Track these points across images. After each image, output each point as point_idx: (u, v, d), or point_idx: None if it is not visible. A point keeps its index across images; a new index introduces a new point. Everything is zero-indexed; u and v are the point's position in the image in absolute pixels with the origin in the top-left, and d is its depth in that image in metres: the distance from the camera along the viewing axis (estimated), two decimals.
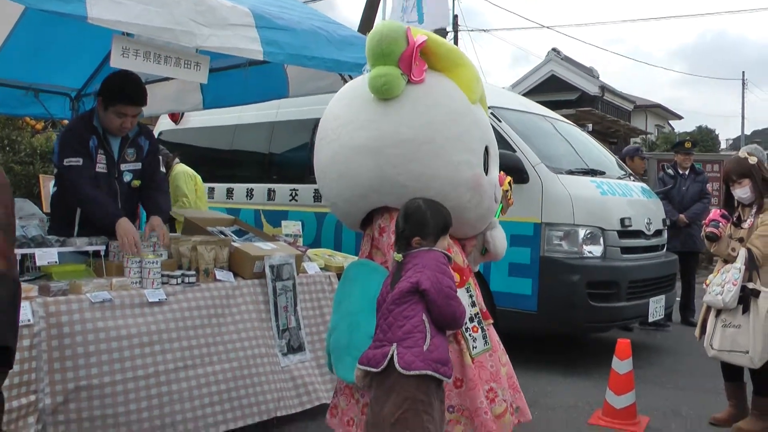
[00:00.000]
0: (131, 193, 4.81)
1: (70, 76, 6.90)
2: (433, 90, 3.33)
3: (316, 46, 4.65)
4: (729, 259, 4.70)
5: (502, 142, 6.31)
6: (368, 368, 2.96)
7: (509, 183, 3.82)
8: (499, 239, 3.72)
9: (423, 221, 3.07)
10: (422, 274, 2.92)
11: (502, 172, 3.72)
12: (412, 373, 2.84)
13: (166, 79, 6.27)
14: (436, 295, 2.89)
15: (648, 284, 6.55)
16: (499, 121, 6.54)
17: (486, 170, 3.45)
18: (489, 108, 6.41)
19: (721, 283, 4.62)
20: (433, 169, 3.24)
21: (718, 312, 4.68)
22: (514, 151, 6.27)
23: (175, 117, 9.09)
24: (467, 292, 3.43)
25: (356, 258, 5.31)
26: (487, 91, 4.16)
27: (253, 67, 5.87)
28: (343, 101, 3.53)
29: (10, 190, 2.42)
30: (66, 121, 7.54)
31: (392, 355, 2.88)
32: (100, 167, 4.60)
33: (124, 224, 4.26)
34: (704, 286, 4.83)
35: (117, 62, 3.90)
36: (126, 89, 4.53)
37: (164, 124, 9.41)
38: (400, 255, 3.06)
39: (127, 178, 4.77)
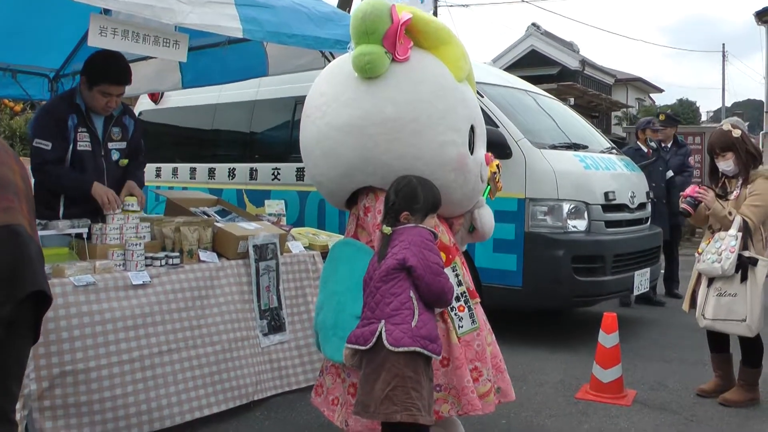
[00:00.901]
0: (118, 172, 4.80)
1: (47, 57, 6.80)
2: (417, 68, 3.30)
3: (297, 23, 4.60)
4: (723, 224, 4.66)
5: (485, 117, 6.25)
6: (356, 346, 2.95)
7: (497, 166, 3.78)
8: (486, 218, 3.71)
9: (413, 196, 3.05)
10: (408, 250, 2.91)
11: (489, 153, 3.69)
12: (400, 349, 2.84)
13: (145, 58, 6.21)
14: (423, 271, 2.89)
15: (632, 258, 6.56)
16: (481, 96, 6.49)
17: (471, 149, 3.43)
18: None
19: (716, 251, 4.58)
20: (416, 148, 3.22)
21: (710, 281, 4.67)
22: (497, 126, 6.23)
23: (155, 97, 9.00)
24: (453, 271, 3.42)
25: (341, 237, 5.33)
26: None
27: (231, 45, 5.82)
28: (328, 78, 3.50)
29: (22, 162, 2.56)
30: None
31: (381, 332, 2.88)
32: (83, 145, 4.58)
33: (98, 187, 4.41)
34: (696, 254, 4.82)
35: (95, 41, 3.84)
36: (111, 68, 4.49)
37: (144, 104, 9.29)
38: (389, 228, 3.04)
39: (114, 156, 4.78)
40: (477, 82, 6.56)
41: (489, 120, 6.26)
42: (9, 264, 2.35)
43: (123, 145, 4.81)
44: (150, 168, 8.68)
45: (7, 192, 2.47)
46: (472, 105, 3.49)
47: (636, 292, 6.76)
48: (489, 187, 3.75)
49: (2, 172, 2.52)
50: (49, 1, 5.23)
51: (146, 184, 8.47)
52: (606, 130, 28.59)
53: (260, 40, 5.04)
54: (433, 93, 3.29)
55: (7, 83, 6.90)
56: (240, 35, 4.25)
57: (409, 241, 2.94)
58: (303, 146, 3.56)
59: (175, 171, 8.79)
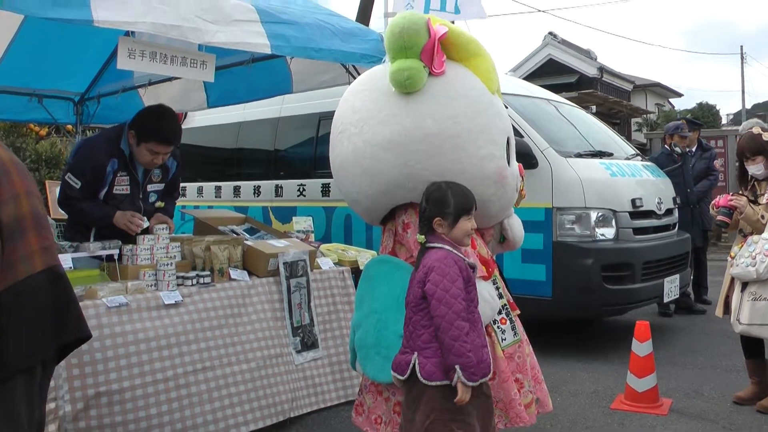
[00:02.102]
0: (154, 213, 4.85)
1: (72, 81, 6.90)
2: (454, 82, 3.28)
3: (322, 38, 4.62)
4: (756, 228, 4.61)
5: None
6: (396, 375, 2.93)
7: (521, 175, 3.77)
8: (516, 227, 3.69)
9: (443, 200, 2.98)
10: (429, 278, 2.86)
11: (519, 164, 3.67)
12: (434, 384, 2.81)
13: (170, 79, 6.25)
14: (437, 301, 2.81)
15: (662, 264, 6.51)
16: (506, 107, 6.48)
17: (508, 161, 3.41)
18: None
19: (750, 255, 4.53)
20: (458, 163, 3.20)
21: (744, 286, 4.60)
22: (522, 136, 6.22)
23: (179, 117, 9.05)
24: (494, 284, 3.40)
25: (371, 253, 5.32)
26: None
27: (255, 63, 5.85)
28: (362, 94, 3.46)
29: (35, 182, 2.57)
30: (70, 126, 7.53)
31: (414, 365, 2.85)
32: (120, 189, 4.63)
33: (118, 216, 4.48)
34: (729, 258, 4.77)
35: (124, 64, 3.87)
36: (162, 129, 4.53)
37: None
38: (423, 236, 3.01)
39: (152, 198, 4.85)
40: (502, 93, 6.62)
41: (513, 130, 6.24)
42: (54, 309, 2.36)
43: (161, 186, 4.87)
44: None
45: (44, 229, 2.46)
46: (505, 117, 3.48)
47: (666, 299, 6.70)
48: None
49: (36, 206, 2.50)
50: (73, 26, 5.29)
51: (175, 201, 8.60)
52: (626, 137, 28.47)
53: (288, 56, 5.06)
54: (471, 107, 3.27)
55: (33, 107, 6.99)
56: (268, 51, 4.27)
57: (428, 267, 2.88)
58: (338, 163, 3.53)
59: (200, 190, 8.84)
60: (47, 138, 12.72)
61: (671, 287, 6.65)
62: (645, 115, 32.70)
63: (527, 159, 6.01)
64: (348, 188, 3.52)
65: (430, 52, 3.15)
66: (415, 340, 2.88)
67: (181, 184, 8.76)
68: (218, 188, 8.57)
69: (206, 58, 4.31)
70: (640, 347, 4.75)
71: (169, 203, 5.06)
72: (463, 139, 3.19)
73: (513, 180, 3.43)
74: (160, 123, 4.55)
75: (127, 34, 3.95)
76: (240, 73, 6.06)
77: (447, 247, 2.92)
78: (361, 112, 3.35)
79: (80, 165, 4.58)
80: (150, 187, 4.80)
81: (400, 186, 3.26)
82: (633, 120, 32.34)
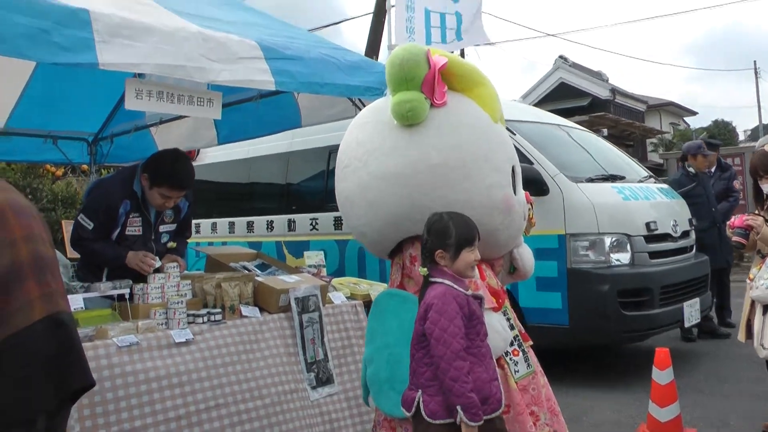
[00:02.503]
0: (166, 253, 4.85)
1: (86, 122, 6.97)
2: (456, 112, 3.26)
3: (327, 72, 4.62)
4: None
5: (518, 155, 6.22)
6: (404, 410, 2.90)
7: (530, 202, 3.75)
8: (526, 257, 3.65)
9: (444, 232, 2.93)
10: (430, 316, 2.82)
11: (526, 192, 3.65)
12: (438, 422, 2.76)
13: (181, 117, 6.30)
14: (435, 341, 2.77)
15: (681, 288, 6.43)
16: (513, 134, 6.48)
17: (514, 190, 3.38)
18: None
19: None
20: (464, 193, 3.17)
21: (766, 309, 4.49)
22: (531, 163, 6.20)
23: (192, 154, 9.11)
24: (504, 315, 3.35)
25: (383, 285, 5.29)
26: None
27: (264, 99, 5.87)
28: (365, 127, 3.46)
29: (46, 225, 2.54)
30: (85, 167, 7.60)
31: (418, 402, 2.81)
32: (132, 230, 4.64)
33: (131, 256, 4.47)
34: (747, 280, 4.68)
35: (131, 105, 3.89)
36: (174, 174, 4.55)
37: None
38: (425, 269, 2.98)
39: (164, 239, 4.85)
40: (508, 120, 6.60)
41: (523, 157, 6.25)
42: (54, 359, 2.32)
43: (173, 226, 4.88)
44: None
45: (45, 274, 2.42)
46: (509, 145, 3.46)
47: (688, 324, 6.61)
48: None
49: (39, 250, 2.44)
50: (83, 69, 5.36)
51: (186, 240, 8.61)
52: (642, 158, 28.35)
53: (293, 91, 5.08)
54: (475, 136, 3.25)
55: (48, 149, 7.05)
56: (273, 87, 4.28)
57: (427, 304, 2.84)
58: (342, 197, 3.52)
59: (214, 226, 8.88)
60: (63, 178, 12.84)
61: (692, 311, 6.56)
62: (660, 135, 32.59)
63: (538, 185, 6.00)
64: (354, 222, 3.51)
65: (431, 84, 3.14)
66: (418, 377, 2.84)
67: (196, 221, 8.89)
68: (232, 224, 8.60)
69: (213, 96, 4.32)
70: (661, 375, 4.66)
71: (180, 243, 5.07)
72: (469, 168, 3.17)
73: (520, 208, 3.40)
74: (174, 168, 4.58)
75: (135, 75, 3.98)
76: (249, 109, 6.08)
77: (448, 281, 2.88)
78: (365, 145, 3.34)
79: (93, 206, 4.62)
80: (162, 228, 4.81)
81: (406, 218, 3.23)
82: (648, 141, 32.24)
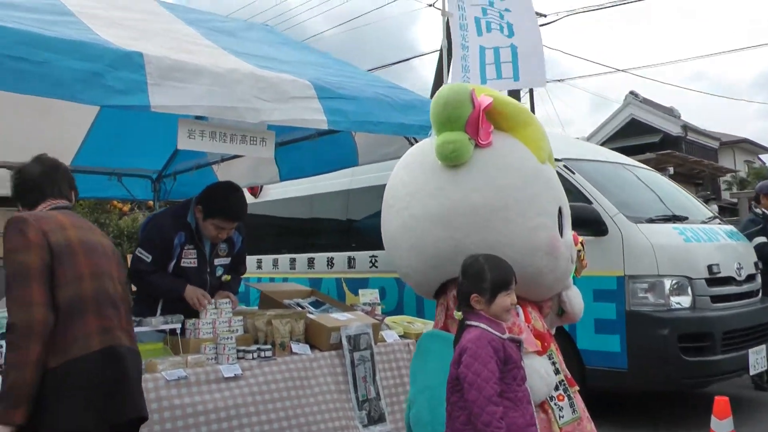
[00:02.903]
0: (220, 287, 4.95)
1: (150, 159, 7.19)
2: (501, 152, 3.24)
3: (380, 111, 4.67)
4: None
5: (578, 194, 6.18)
6: None
7: (582, 243, 3.68)
8: (575, 299, 3.59)
9: (480, 275, 2.89)
10: (464, 360, 2.79)
11: (574, 232, 3.60)
12: None
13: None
14: (468, 387, 2.74)
15: (745, 334, 6.21)
16: (573, 173, 6.41)
17: (561, 232, 3.32)
18: (562, 161, 6.37)
19: None
20: (507, 236, 3.13)
21: None
22: (591, 203, 6.11)
23: (255, 191, 9.29)
24: (550, 359, 3.29)
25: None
26: (559, 143, 3.95)
27: (322, 137, 5.95)
28: (410, 167, 3.47)
29: (124, 263, 2.68)
30: (151, 203, 7.82)
31: None
32: (187, 262, 4.74)
33: (189, 290, 4.55)
34: None
35: (184, 144, 3.99)
36: (228, 206, 4.67)
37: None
38: (460, 313, 2.95)
39: (219, 272, 4.94)
40: (569, 159, 6.59)
41: (582, 197, 6.18)
42: (109, 389, 2.42)
43: (227, 260, 4.96)
44: (251, 260, 8.90)
45: (106, 309, 2.57)
46: (557, 186, 3.40)
47: (753, 371, 6.35)
48: (575, 266, 3.63)
49: (103, 286, 2.60)
50: None
51: (247, 276, 8.72)
52: (715, 197, 27.63)
53: (345, 130, 5.14)
54: (520, 177, 3.21)
55: (113, 185, 7.29)
56: (325, 127, 4.33)
57: (462, 347, 2.81)
58: (387, 237, 3.53)
59: (275, 262, 8.99)
60: (130, 213, 13.22)
61: (757, 358, 6.31)
62: (734, 173, 31.76)
63: (597, 226, 5.91)
64: (398, 263, 3.51)
65: (475, 124, 3.12)
66: (453, 421, 2.81)
67: (258, 257, 9.03)
68: (293, 260, 8.69)
69: (266, 135, 4.39)
70: (720, 425, 4.48)
71: (234, 279, 5.15)
72: (512, 210, 3.14)
73: (567, 250, 3.34)
74: (227, 200, 4.68)
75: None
76: (308, 147, 6.18)
77: (483, 325, 2.84)
78: (409, 186, 3.35)
79: (149, 239, 4.75)
80: (217, 261, 4.89)
81: (448, 260, 3.21)
82: (722, 179, 31.46)
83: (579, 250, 3.65)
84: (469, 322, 2.88)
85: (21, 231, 2.59)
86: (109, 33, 3.88)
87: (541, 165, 3.30)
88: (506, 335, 2.87)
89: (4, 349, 2.54)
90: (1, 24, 3.19)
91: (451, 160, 3.15)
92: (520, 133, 3.31)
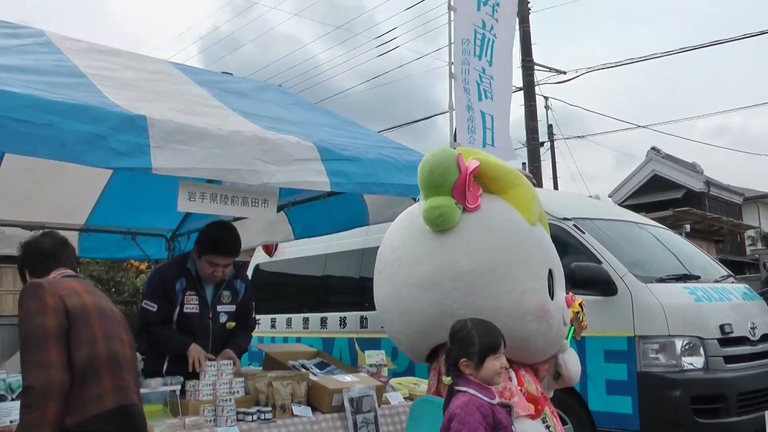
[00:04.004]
0: (225, 334, 4.97)
1: (164, 219, 7.26)
2: (489, 216, 3.25)
3: (384, 172, 4.70)
4: None
5: (588, 254, 6.16)
6: None
7: (580, 305, 3.65)
8: (571, 362, 3.56)
9: (468, 340, 2.87)
10: (452, 426, 2.77)
11: (570, 294, 3.58)
12: None
13: None
14: None
15: (761, 395, 6.07)
16: (583, 232, 6.39)
17: (552, 294, 3.31)
18: (572, 220, 6.35)
19: None
20: (495, 300, 3.12)
21: None
22: (600, 262, 6.07)
23: (269, 249, 9.35)
24: (544, 422, 3.25)
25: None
26: (570, 202, 3.90)
27: (331, 197, 6.00)
28: (400, 232, 3.49)
29: (129, 330, 2.83)
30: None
31: None
32: (190, 308, 4.78)
33: (193, 349, 4.57)
34: None
35: (183, 206, 4.05)
36: (219, 241, 4.72)
37: (260, 257, 9.70)
38: (449, 378, 2.93)
39: (222, 319, 4.95)
40: (578, 218, 6.57)
41: (592, 256, 6.15)
42: None
43: (232, 308, 4.99)
44: (265, 319, 8.94)
45: (121, 369, 2.69)
46: (547, 247, 3.40)
47: None
48: (572, 327, 3.60)
49: (115, 348, 2.73)
50: None
51: (261, 335, 8.72)
52: (738, 252, 27.28)
53: (349, 191, 5.18)
54: (508, 240, 3.22)
55: (128, 245, 7.38)
56: (328, 188, 4.37)
57: (450, 413, 2.78)
58: (378, 303, 3.55)
59: (289, 321, 8.97)
60: (147, 272, 13.32)
61: None
62: (759, 229, 31.39)
63: (606, 285, 5.87)
64: (389, 328, 3.51)
65: (462, 189, 3.14)
66: None
67: (272, 315, 9.03)
68: (306, 319, 8.67)
69: (268, 196, 4.44)
70: None
71: (243, 332, 5.16)
72: (500, 273, 3.14)
73: (558, 313, 3.32)
74: (220, 235, 4.76)
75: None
76: (320, 207, 6.24)
77: (472, 390, 2.82)
78: (398, 252, 3.36)
79: (153, 289, 4.83)
80: (220, 308, 4.93)
81: (437, 325, 3.20)
82: (747, 234, 31.09)
83: (577, 312, 3.62)
84: (458, 388, 2.86)
85: (38, 296, 2.71)
86: (118, 95, 3.98)
87: (530, 227, 3.30)
88: (496, 400, 2.85)
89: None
90: (7, 88, 3.29)
91: (438, 225, 3.16)
92: (509, 195, 3.33)
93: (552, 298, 3.30)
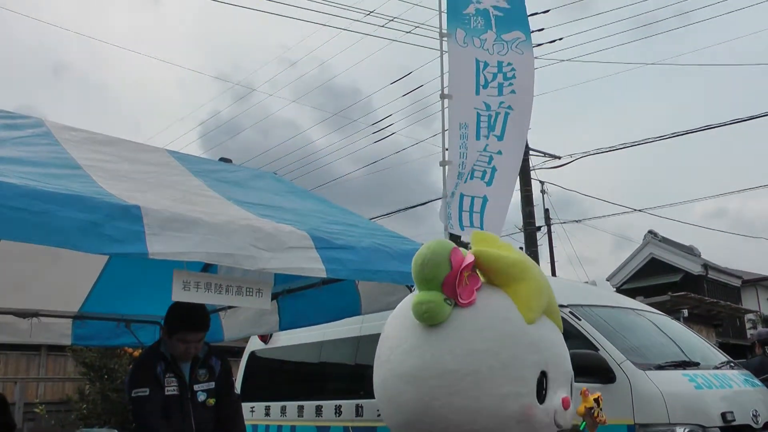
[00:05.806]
0: (206, 412, 4.95)
1: (158, 305, 7.15)
2: (483, 313, 3.13)
3: (379, 260, 4.71)
4: None
5: (584, 341, 6.10)
6: None
7: (596, 399, 3.57)
8: None
9: None
10: None
11: (585, 388, 3.49)
12: None
13: None
14: None
15: None
16: (579, 319, 6.36)
17: (543, 397, 3.18)
18: (567, 307, 6.32)
19: None
20: (476, 401, 3.01)
21: None
22: (597, 349, 6.02)
23: (264, 336, 9.28)
24: None
25: None
26: (565, 289, 3.84)
27: (326, 286, 5.99)
28: (396, 321, 3.44)
29: None
30: None
31: None
32: (171, 390, 4.80)
33: None
34: None
35: (178, 296, 4.05)
36: (186, 318, 4.79)
37: (255, 344, 9.63)
38: None
39: (201, 397, 4.95)
40: (574, 305, 6.53)
41: (589, 343, 6.10)
42: None
43: (211, 385, 5.00)
44: (260, 407, 8.80)
45: None
46: (544, 348, 3.22)
47: None
48: (584, 423, 3.51)
49: None
50: None
51: (256, 423, 8.57)
52: (739, 336, 27.10)
53: (345, 278, 5.17)
54: (496, 341, 3.08)
55: (122, 332, 7.33)
56: (324, 275, 4.37)
57: None
58: (374, 388, 3.50)
59: (284, 409, 8.83)
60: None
61: None
62: (758, 313, 31.27)
63: (604, 373, 5.81)
64: (381, 413, 3.46)
65: (452, 285, 3.04)
66: None
67: (266, 403, 8.88)
68: (301, 407, 8.53)
69: (262, 285, 4.44)
70: None
71: (229, 413, 5.15)
72: (482, 376, 3.02)
73: (546, 416, 3.14)
74: (187, 313, 4.80)
75: (185, 266, 4.14)
76: (312, 296, 6.21)
77: None
78: (391, 340, 3.32)
79: (138, 376, 4.83)
80: (197, 387, 4.94)
81: (419, 419, 3.11)
82: (747, 317, 30.96)
83: (590, 408, 3.54)
84: None
85: None
86: (113, 186, 4.02)
87: (526, 326, 3.17)
88: None
89: None
90: (4, 179, 3.32)
91: (425, 320, 3.08)
92: (511, 288, 3.21)
93: (543, 400, 3.15)
